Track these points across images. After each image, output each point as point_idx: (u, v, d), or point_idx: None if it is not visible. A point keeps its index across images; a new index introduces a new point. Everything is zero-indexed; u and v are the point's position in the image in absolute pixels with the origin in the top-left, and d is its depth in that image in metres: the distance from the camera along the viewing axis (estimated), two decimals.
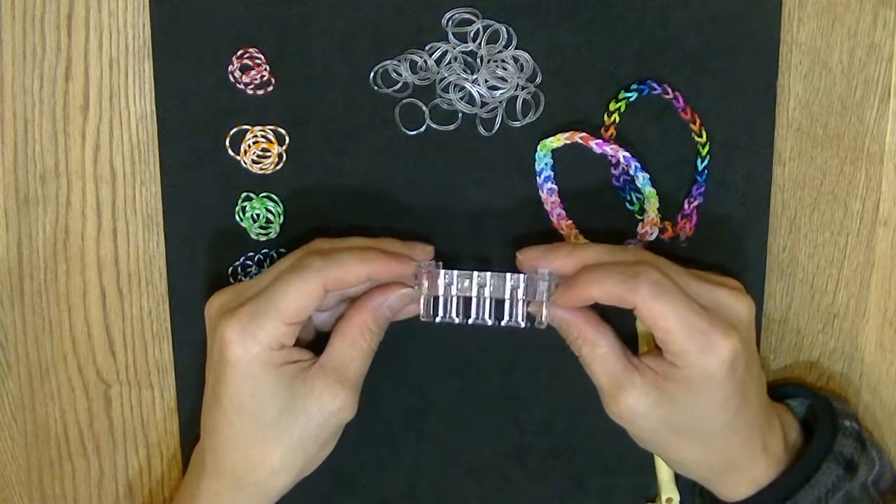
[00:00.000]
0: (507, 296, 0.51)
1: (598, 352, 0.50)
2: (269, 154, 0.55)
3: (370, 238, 0.52)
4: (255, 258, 0.56)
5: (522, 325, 0.51)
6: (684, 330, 0.47)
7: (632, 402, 0.49)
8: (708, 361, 0.47)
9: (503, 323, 0.51)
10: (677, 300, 0.48)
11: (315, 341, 0.53)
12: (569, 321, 0.51)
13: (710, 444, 0.50)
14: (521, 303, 0.50)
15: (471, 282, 0.50)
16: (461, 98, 0.55)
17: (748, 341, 0.50)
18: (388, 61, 0.54)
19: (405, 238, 0.54)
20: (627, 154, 0.54)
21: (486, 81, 0.55)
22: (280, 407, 0.49)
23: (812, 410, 0.54)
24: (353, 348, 0.50)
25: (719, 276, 0.52)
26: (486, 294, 0.51)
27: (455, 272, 0.51)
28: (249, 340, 0.48)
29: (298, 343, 0.51)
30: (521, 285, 0.50)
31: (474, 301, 0.51)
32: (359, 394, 0.51)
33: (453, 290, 0.51)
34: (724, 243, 0.56)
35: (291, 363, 0.49)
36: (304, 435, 0.50)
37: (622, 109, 0.54)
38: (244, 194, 0.56)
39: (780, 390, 0.56)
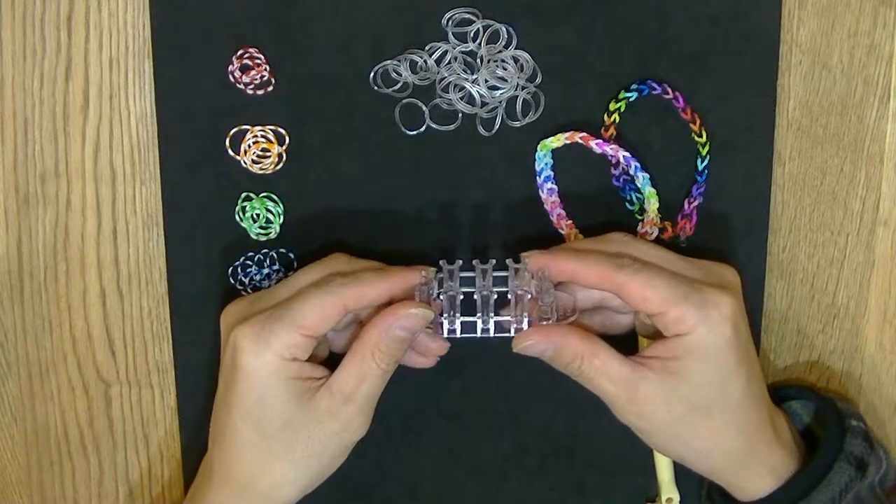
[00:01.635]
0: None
1: (598, 362, 0.49)
2: (269, 154, 0.55)
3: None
4: (255, 258, 0.56)
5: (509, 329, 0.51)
6: (677, 292, 0.48)
7: (649, 393, 0.48)
8: (711, 317, 0.47)
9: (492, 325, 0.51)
10: (662, 270, 0.49)
11: (329, 358, 0.53)
12: (561, 344, 0.49)
13: (730, 422, 0.49)
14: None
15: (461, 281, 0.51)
16: (461, 98, 0.55)
17: (742, 306, 0.50)
18: (388, 61, 0.54)
19: (407, 240, 0.54)
20: (627, 154, 0.54)
21: (486, 81, 0.55)
22: (285, 420, 0.49)
23: (815, 413, 0.54)
24: (362, 368, 0.50)
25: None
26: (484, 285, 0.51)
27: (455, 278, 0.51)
28: (262, 347, 0.48)
29: (314, 360, 0.51)
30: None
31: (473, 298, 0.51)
32: (369, 414, 0.50)
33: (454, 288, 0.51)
34: (724, 243, 0.56)
35: (302, 379, 0.49)
36: (307, 452, 0.50)
37: (622, 109, 0.54)
38: (244, 194, 0.56)
39: (782, 392, 0.56)
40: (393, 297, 0.50)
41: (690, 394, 0.48)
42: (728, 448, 0.50)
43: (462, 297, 0.51)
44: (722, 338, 0.48)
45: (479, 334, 0.50)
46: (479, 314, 0.50)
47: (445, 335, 0.50)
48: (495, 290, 0.51)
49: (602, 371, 0.49)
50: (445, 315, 0.50)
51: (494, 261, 0.53)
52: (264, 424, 0.49)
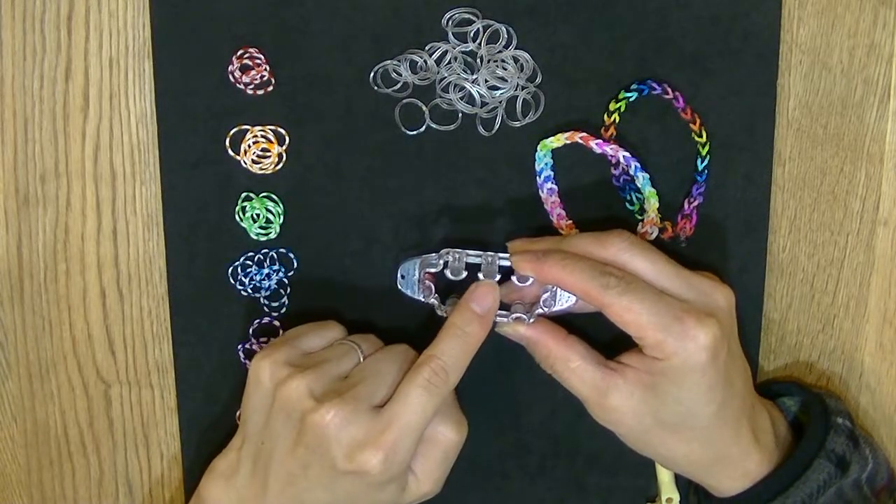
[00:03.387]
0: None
1: (572, 366, 0.51)
2: (269, 154, 0.55)
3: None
4: (255, 258, 0.56)
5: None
6: (657, 321, 0.48)
7: (618, 403, 0.50)
8: (687, 348, 0.48)
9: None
10: (646, 294, 0.48)
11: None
12: (536, 339, 0.51)
13: (701, 438, 0.50)
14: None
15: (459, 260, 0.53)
16: (461, 98, 0.55)
17: (729, 330, 0.50)
18: (388, 61, 0.54)
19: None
20: (627, 154, 0.54)
21: (486, 81, 0.55)
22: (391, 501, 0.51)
23: (804, 408, 0.55)
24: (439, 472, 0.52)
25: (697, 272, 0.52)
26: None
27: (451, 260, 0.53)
28: (395, 468, 0.49)
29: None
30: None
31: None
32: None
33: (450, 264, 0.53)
34: (724, 243, 0.56)
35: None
36: None
37: (622, 109, 0.54)
38: (244, 194, 0.56)
39: (774, 387, 0.56)
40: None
41: (659, 409, 0.49)
42: (695, 458, 0.51)
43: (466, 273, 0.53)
44: (696, 367, 0.48)
45: None
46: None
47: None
48: (498, 276, 0.52)
49: (575, 374, 0.51)
50: (447, 303, 0.53)
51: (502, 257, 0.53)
52: None
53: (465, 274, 0.52)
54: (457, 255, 0.53)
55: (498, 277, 0.52)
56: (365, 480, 0.48)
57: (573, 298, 0.51)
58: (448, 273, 0.52)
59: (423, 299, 0.53)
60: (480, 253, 0.53)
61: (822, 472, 0.50)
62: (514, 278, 0.52)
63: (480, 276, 0.52)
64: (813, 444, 0.51)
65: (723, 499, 0.52)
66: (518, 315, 0.52)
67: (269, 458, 0.50)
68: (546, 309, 0.51)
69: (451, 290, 0.54)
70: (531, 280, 0.51)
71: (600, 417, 0.51)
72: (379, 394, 0.50)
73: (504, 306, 0.52)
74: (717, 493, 0.52)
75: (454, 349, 0.50)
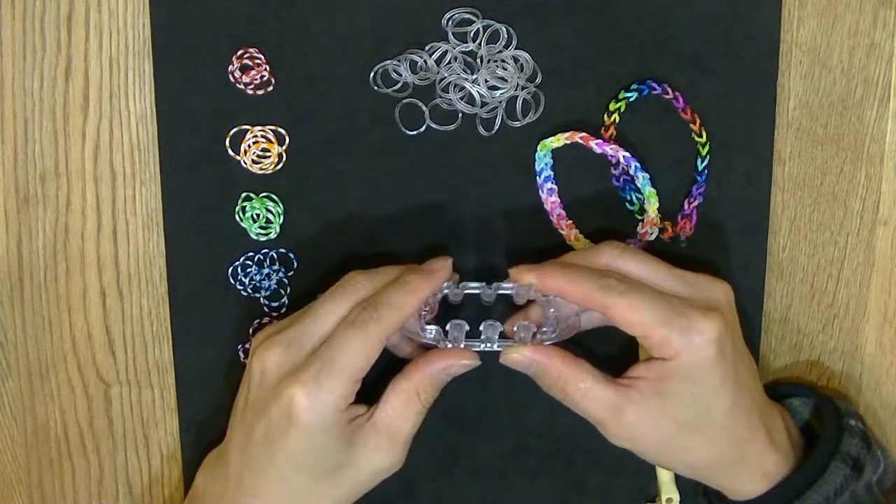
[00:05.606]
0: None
1: (583, 386, 0.50)
2: (269, 154, 0.55)
3: (398, 266, 0.52)
4: (255, 258, 0.56)
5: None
6: (661, 317, 0.48)
7: (635, 417, 0.49)
8: (694, 342, 0.48)
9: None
10: (648, 293, 0.48)
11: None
12: (544, 362, 0.50)
13: (719, 434, 0.50)
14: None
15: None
16: (461, 98, 0.55)
17: (732, 324, 0.50)
18: (388, 61, 0.54)
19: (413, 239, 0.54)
20: (627, 154, 0.54)
21: (486, 81, 0.55)
22: (337, 465, 0.49)
23: (815, 411, 0.54)
24: (409, 408, 0.50)
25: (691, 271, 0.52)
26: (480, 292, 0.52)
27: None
28: (319, 405, 0.48)
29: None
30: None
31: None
32: (408, 448, 0.51)
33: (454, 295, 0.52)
34: (724, 243, 0.56)
35: (351, 421, 0.49)
36: (352, 487, 0.50)
37: (622, 109, 0.54)
38: (244, 194, 0.56)
39: (782, 390, 0.56)
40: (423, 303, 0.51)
41: (677, 413, 0.49)
42: (717, 458, 0.51)
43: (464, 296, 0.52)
44: (705, 360, 0.48)
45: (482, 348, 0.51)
46: (482, 336, 0.51)
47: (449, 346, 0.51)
48: (499, 293, 0.52)
49: (587, 395, 0.50)
50: (448, 340, 0.51)
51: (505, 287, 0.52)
52: (314, 472, 0.49)
53: (462, 296, 0.52)
54: (455, 291, 0.52)
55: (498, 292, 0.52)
56: (298, 428, 0.48)
57: (577, 320, 0.51)
58: (450, 297, 0.52)
59: (423, 336, 0.51)
60: (480, 284, 0.52)
61: (839, 474, 0.50)
62: (513, 293, 0.52)
63: (482, 297, 0.52)
64: (828, 446, 0.51)
65: (739, 502, 0.52)
66: (522, 336, 0.51)
67: (231, 430, 0.52)
68: (550, 331, 0.51)
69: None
70: (531, 289, 0.51)
71: (619, 436, 0.50)
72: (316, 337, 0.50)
73: (507, 337, 0.52)
74: (734, 496, 0.52)
75: (389, 290, 0.50)
